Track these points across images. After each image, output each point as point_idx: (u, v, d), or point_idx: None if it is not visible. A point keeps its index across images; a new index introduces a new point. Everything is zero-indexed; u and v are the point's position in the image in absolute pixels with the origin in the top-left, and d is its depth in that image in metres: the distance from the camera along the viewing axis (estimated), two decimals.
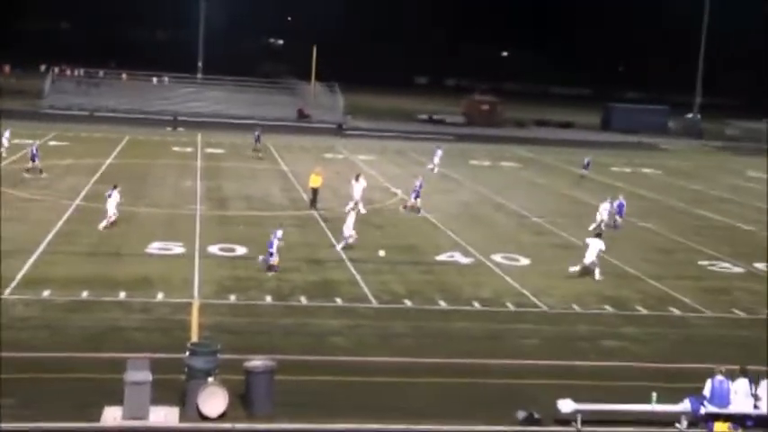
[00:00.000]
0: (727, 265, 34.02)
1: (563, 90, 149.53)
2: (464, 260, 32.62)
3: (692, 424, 18.55)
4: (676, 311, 27.44)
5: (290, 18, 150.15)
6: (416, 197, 41.34)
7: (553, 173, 59.47)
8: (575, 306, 27.39)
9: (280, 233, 29.54)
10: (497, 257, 33.08)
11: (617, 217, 39.85)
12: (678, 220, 43.46)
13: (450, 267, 31.52)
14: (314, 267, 30.09)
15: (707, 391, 18.64)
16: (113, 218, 33.79)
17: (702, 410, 18.49)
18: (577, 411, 18.12)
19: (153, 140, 64.58)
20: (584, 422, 18.11)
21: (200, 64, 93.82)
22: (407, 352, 22.36)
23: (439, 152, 56.33)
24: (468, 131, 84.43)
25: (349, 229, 32.75)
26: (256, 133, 60.13)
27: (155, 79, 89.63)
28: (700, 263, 34.20)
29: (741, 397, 18.74)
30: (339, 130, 78.28)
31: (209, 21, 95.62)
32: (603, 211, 39.51)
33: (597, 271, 30.87)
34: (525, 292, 28.64)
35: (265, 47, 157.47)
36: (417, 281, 29.38)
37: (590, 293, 28.91)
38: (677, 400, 18.64)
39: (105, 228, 33.32)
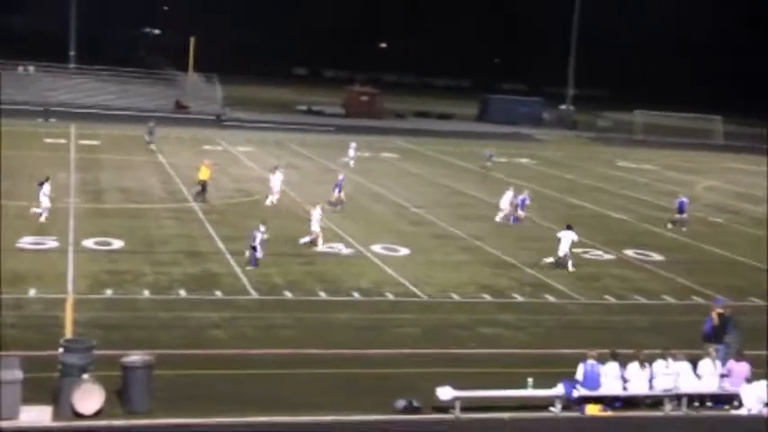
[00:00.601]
0: (599, 252, 35.13)
1: (442, 81, 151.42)
2: (344, 251, 32.74)
3: (565, 407, 19.13)
4: (551, 298, 28.21)
5: (166, 7, 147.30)
6: (339, 191, 41.30)
7: (432, 164, 60.17)
8: (453, 295, 27.84)
9: (263, 228, 29.49)
10: (377, 248, 33.31)
11: (519, 211, 40.50)
12: (553, 209, 44.62)
13: (331, 258, 31.58)
14: (193, 260, 29.72)
15: (579, 375, 19.28)
16: None
17: (575, 394, 19.10)
18: (456, 398, 18.45)
19: (23, 132, 62.41)
20: (462, 409, 18.45)
21: (72, 53, 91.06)
22: (288, 343, 22.33)
23: (353, 145, 56.45)
24: (348, 123, 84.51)
25: (316, 226, 32.46)
26: (150, 125, 59.18)
27: (20, 68, 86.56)
28: (573, 250, 35.19)
29: (611, 380, 19.45)
30: (218, 122, 77.30)
31: (82, 8, 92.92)
32: (506, 200, 40.35)
33: (570, 263, 31.62)
34: (404, 281, 28.94)
35: (141, 36, 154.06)
36: (298, 272, 29.34)
37: (468, 282, 29.43)
38: (552, 385, 19.19)
39: None
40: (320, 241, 32.74)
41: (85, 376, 17.29)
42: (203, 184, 40.41)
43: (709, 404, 20.03)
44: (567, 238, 31.87)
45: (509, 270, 31.52)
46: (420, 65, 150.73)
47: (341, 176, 42.59)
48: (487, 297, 27.89)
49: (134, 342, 20.93)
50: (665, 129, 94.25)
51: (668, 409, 19.59)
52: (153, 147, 57.16)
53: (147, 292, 25.79)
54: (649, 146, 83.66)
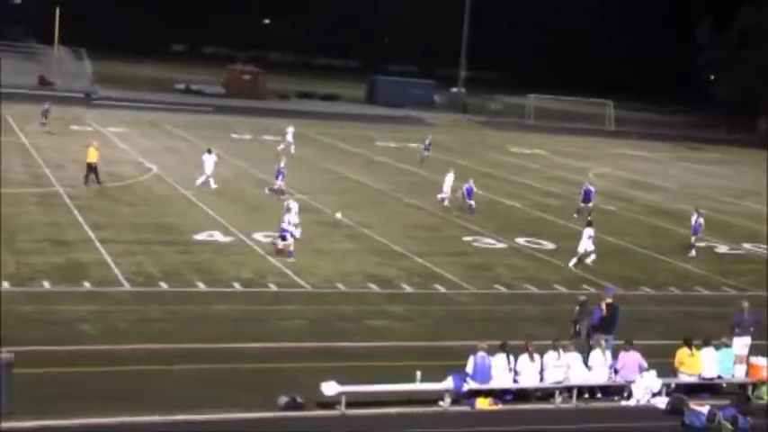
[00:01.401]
0: (490, 240, 35.71)
1: (328, 61, 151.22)
2: (224, 239, 32.43)
3: (455, 401, 19.40)
4: (441, 288, 28.54)
5: None
6: (282, 178, 41.11)
7: (318, 147, 60.10)
8: (339, 285, 27.88)
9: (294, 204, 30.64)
10: (259, 236, 33.10)
11: (468, 200, 40.79)
12: None
13: (210, 247, 31.24)
14: (59, 249, 28.96)
15: (469, 368, 19.57)
16: None
17: (465, 387, 19.38)
18: (341, 393, 18.49)
19: None
20: (348, 404, 18.51)
21: None
22: (163, 337, 21.98)
23: (290, 130, 55.87)
24: (229, 103, 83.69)
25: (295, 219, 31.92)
26: (45, 106, 57.58)
27: None
28: (464, 239, 35.70)
29: (501, 372, 19.81)
30: (87, 100, 75.46)
31: None
32: (448, 183, 41.41)
33: (592, 257, 32.35)
34: (288, 271, 28.84)
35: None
36: (174, 262, 28.93)
37: (355, 272, 29.51)
38: (441, 379, 19.42)
39: None
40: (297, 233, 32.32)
41: None
42: (92, 167, 39.55)
43: (599, 396, 20.61)
44: (586, 233, 32.74)
45: (397, 259, 31.74)
46: (305, 43, 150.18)
47: (282, 163, 42.53)
48: (375, 287, 28.03)
49: None
50: (557, 113, 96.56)
51: (559, 401, 20.09)
52: (47, 129, 55.77)
53: (6, 284, 24.98)
54: (541, 131, 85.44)
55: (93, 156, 39.90)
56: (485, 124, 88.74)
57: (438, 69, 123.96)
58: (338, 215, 35.64)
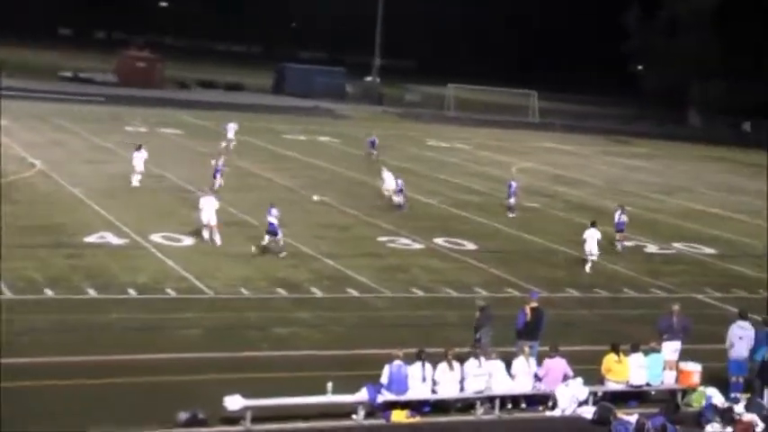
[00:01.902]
0: (406, 241, 35.89)
1: (230, 47, 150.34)
2: (117, 241, 32.04)
3: (369, 414, 19.45)
4: (354, 292, 28.59)
5: None
6: (219, 177, 41.56)
7: (219, 141, 59.64)
8: (243, 290, 27.74)
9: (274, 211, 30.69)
10: (156, 237, 32.76)
11: (399, 197, 41.46)
12: (356, 193, 45.22)
13: (101, 250, 30.81)
14: None
15: (384, 378, 19.63)
16: None
17: (380, 399, 19.45)
18: (247, 408, 18.40)
19: None
20: (254, 420, 18.42)
21: None
22: (48, 350, 21.57)
23: (231, 126, 55.29)
24: (122, 92, 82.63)
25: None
26: None
27: None
28: (378, 239, 35.82)
29: (418, 382, 19.92)
30: None
31: None
32: (390, 181, 42.40)
33: (588, 265, 33.31)
34: (188, 275, 28.61)
35: None
36: (61, 266, 28.46)
37: (260, 276, 29.39)
38: (355, 390, 19.45)
39: None
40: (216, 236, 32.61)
41: None
42: None
43: (523, 406, 20.88)
44: (591, 236, 33.48)
45: (306, 261, 31.71)
46: (206, 27, 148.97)
47: (221, 161, 42.98)
48: (282, 292, 27.96)
49: None
50: (478, 104, 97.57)
51: (480, 412, 20.29)
52: None
53: None
54: (462, 123, 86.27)
55: None
56: (402, 116, 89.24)
57: (350, 57, 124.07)
58: (315, 197, 36.93)
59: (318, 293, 28.24)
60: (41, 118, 63.03)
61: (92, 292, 26.26)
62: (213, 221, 32.79)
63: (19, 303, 24.84)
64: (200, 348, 22.69)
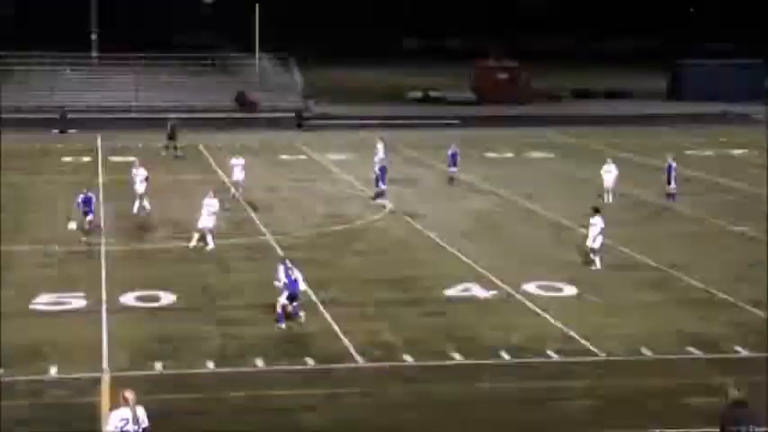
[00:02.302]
0: None
1: (613, 45, 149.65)
2: (484, 293, 32.57)
3: None
4: None
5: None
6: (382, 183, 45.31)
7: (602, 163, 59.48)
8: (644, 350, 27.34)
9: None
10: (530, 287, 33.04)
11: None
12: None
13: (465, 305, 31.45)
14: (273, 316, 29.93)
15: None
16: None
17: None
18: None
19: (32, 149, 64.37)
20: None
21: (94, 36, 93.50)
22: (408, 428, 22.24)
23: (380, 147, 55.05)
24: (481, 112, 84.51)
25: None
26: (170, 125, 61.34)
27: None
28: None
29: None
30: (298, 121, 78.31)
31: None
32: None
33: (598, 259, 34.34)
34: (573, 333, 28.60)
35: (191, 8, 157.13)
36: (419, 327, 29.29)
37: (666, 331, 28.87)
38: None
39: None
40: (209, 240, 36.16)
41: None
42: None
43: None
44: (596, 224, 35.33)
45: (725, 311, 30.82)
46: (579, 26, 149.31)
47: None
48: (695, 351, 27.30)
49: None
50: None
51: None
52: (178, 153, 60.86)
53: (210, 364, 26.12)
54: None
55: None
56: None
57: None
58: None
59: (743, 352, 27.32)
60: (388, 148, 65.58)
61: (457, 357, 26.80)
62: None
63: (374, 372, 25.79)
64: (590, 424, 22.55)
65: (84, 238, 38.26)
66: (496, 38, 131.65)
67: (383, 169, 47.41)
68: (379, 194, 46.76)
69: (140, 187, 43.47)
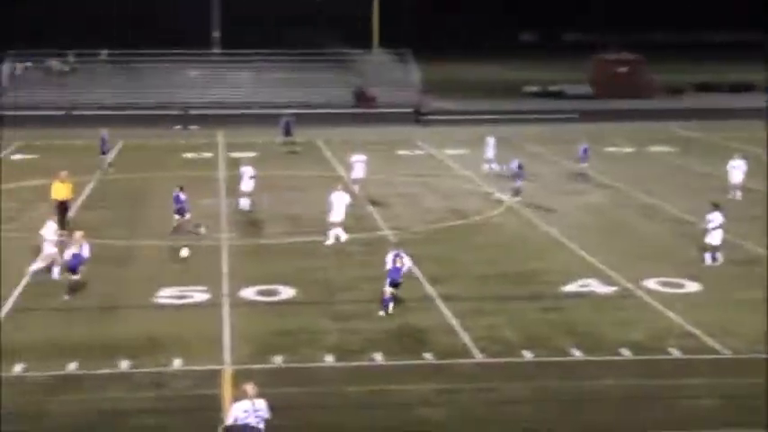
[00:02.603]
0: None
1: (736, 36, 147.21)
2: (603, 289, 32.38)
3: None
4: None
5: None
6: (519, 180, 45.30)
7: (725, 158, 58.59)
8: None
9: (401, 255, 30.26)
10: (651, 283, 32.76)
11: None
12: None
13: (585, 301, 31.30)
14: (393, 310, 30.06)
15: None
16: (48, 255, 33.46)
17: None
18: None
19: (156, 145, 65.48)
20: None
21: (215, 34, 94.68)
22: (527, 425, 22.16)
23: (491, 141, 55.27)
24: (600, 106, 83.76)
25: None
26: (285, 121, 62.22)
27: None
28: None
29: None
30: (416, 116, 78.42)
31: None
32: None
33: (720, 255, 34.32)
34: (696, 330, 28.28)
35: (307, 3, 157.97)
36: (538, 322, 29.21)
37: None
38: None
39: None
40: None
41: None
42: (62, 208, 39.98)
43: None
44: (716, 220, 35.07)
45: None
46: (701, 16, 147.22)
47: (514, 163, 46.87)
48: None
49: (314, 427, 21.37)
50: None
51: None
52: (297, 148, 61.35)
53: (329, 358, 26.28)
54: None
55: (61, 192, 40.18)
56: None
57: None
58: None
59: None
60: (507, 143, 65.31)
61: (576, 353, 26.66)
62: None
63: (486, 368, 25.76)
64: (713, 423, 22.26)
65: (201, 229, 38.80)
66: (614, 30, 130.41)
67: (520, 166, 47.00)
68: (517, 191, 46.47)
69: (247, 185, 43.72)
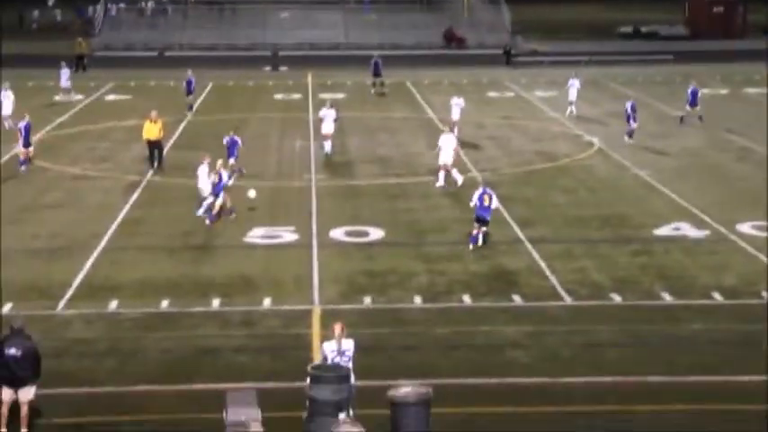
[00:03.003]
0: None
1: None
2: (696, 233, 32.12)
3: None
4: None
5: None
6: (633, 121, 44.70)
7: None
8: None
9: None
10: (745, 227, 32.42)
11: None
12: None
13: (676, 245, 31.08)
14: (479, 253, 30.14)
15: None
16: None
17: None
18: None
19: (246, 86, 65.92)
20: None
21: None
22: (616, 368, 22.14)
23: (574, 83, 54.29)
24: (695, 47, 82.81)
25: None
26: (374, 61, 62.02)
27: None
28: None
29: None
30: (506, 58, 78.01)
31: None
32: None
33: None
34: None
35: None
36: (628, 266, 29.10)
37: None
38: None
39: (214, 219, 33.32)
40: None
41: (343, 416, 17.86)
42: (155, 146, 40.73)
43: None
44: None
45: None
46: None
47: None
48: None
49: (404, 368, 21.55)
50: None
51: None
52: (384, 89, 61.60)
53: (418, 299, 26.41)
54: None
55: (152, 131, 40.60)
56: None
57: None
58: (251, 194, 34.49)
59: None
60: (599, 85, 64.86)
61: (667, 298, 26.52)
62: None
63: (580, 311, 25.74)
64: None
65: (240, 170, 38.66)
66: None
67: (633, 107, 46.44)
68: (631, 133, 46.11)
69: (329, 127, 43.40)
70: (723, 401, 20.47)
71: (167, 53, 79.24)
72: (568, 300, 26.48)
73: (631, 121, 45.83)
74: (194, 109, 54.76)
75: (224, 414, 17.81)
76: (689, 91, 51.07)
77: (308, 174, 40.38)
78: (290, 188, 38.11)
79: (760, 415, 19.80)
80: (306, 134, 48.54)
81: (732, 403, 20.38)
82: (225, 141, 39.33)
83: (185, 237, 32.06)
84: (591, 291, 27.08)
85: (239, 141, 39.48)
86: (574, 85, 54.08)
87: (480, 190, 30.36)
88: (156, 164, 40.41)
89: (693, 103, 50.65)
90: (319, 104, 55.98)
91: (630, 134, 45.86)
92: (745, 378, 21.58)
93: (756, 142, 45.69)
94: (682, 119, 50.91)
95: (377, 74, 62.68)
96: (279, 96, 61.59)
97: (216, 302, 26.19)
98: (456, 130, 45.22)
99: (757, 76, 67.87)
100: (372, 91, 61.89)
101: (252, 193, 34.39)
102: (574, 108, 53.29)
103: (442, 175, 37.86)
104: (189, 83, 54.69)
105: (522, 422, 19.68)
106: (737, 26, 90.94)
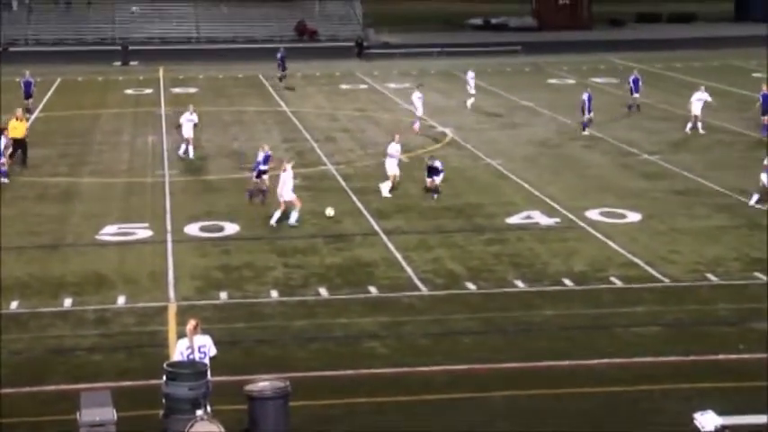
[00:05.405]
0: None
1: None
2: (546, 221, 32.59)
3: None
4: None
5: None
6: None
7: (669, 89, 59.07)
8: (710, 276, 27.24)
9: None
10: (593, 214, 33.00)
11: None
12: None
13: (528, 233, 31.49)
14: (335, 245, 30.19)
15: None
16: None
17: None
18: (724, 428, 17.92)
19: (96, 81, 64.87)
20: None
21: None
22: (474, 355, 22.35)
23: (471, 75, 55.05)
24: (543, 38, 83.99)
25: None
26: (279, 55, 61.53)
27: None
28: None
29: None
30: (358, 50, 78.20)
31: None
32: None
33: None
34: (637, 260, 28.56)
35: None
36: (482, 255, 29.37)
37: (732, 256, 28.75)
38: None
39: None
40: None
41: (200, 413, 17.74)
42: (18, 146, 39.94)
43: None
44: None
45: None
46: None
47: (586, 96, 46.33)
48: (762, 277, 27.13)
49: (261, 363, 21.48)
50: None
51: None
52: (287, 83, 60.22)
53: (274, 293, 26.34)
54: None
55: (18, 130, 40.14)
56: None
57: None
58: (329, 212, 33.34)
59: None
60: (449, 77, 65.45)
61: (520, 284, 26.86)
62: None
63: (437, 300, 25.92)
64: (655, 351, 22.52)
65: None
66: None
67: (590, 98, 46.55)
68: (587, 123, 46.41)
69: (189, 131, 42.06)
70: (575, 385, 20.82)
71: (12, 49, 77.57)
72: (424, 289, 26.63)
73: (587, 112, 46.12)
74: (34, 114, 51.63)
75: (78, 415, 17.52)
76: (631, 79, 52.06)
77: (161, 170, 39.96)
78: (143, 184, 37.65)
79: (609, 396, 20.22)
80: (158, 129, 48.00)
81: (583, 386, 20.74)
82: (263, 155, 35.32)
83: (34, 236, 31.45)
84: (446, 280, 27.28)
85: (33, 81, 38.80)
86: (470, 77, 54.66)
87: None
88: (21, 161, 39.66)
89: (636, 90, 51.64)
90: (172, 99, 55.67)
91: (586, 126, 46.32)
92: (594, 361, 21.99)
93: (602, 131, 46.53)
94: (630, 107, 51.62)
95: (283, 67, 61.50)
96: (130, 91, 60.81)
97: (68, 302, 25.73)
98: (418, 124, 45.42)
99: (603, 66, 69.18)
100: (282, 85, 61.04)
101: (330, 212, 33.49)
102: (471, 100, 53.93)
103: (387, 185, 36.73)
104: (27, 84, 52.40)
105: (379, 412, 19.73)
106: (583, 18, 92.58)
